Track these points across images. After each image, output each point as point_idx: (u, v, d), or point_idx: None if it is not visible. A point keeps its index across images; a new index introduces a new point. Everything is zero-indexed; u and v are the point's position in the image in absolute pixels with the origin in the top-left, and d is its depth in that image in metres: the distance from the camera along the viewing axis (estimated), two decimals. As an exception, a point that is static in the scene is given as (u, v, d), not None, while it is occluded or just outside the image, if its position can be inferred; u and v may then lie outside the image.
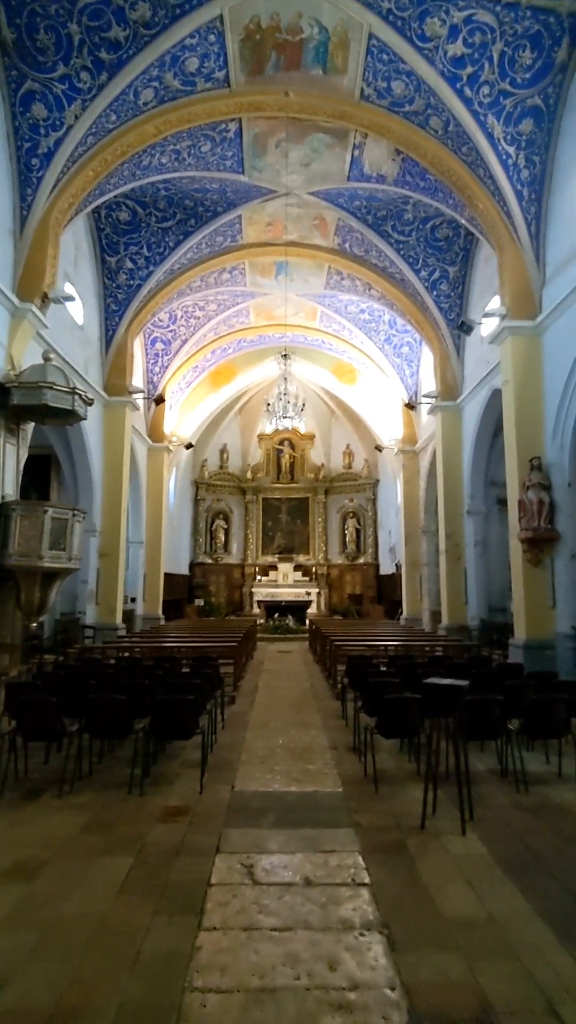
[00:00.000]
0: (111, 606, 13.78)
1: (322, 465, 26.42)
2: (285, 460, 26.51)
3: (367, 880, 3.51)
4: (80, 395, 9.27)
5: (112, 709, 5.09)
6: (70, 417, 9.68)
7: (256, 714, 7.82)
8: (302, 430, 26.49)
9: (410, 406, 16.46)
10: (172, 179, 12.08)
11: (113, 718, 5.09)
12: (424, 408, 18.49)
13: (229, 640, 10.94)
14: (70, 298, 10.13)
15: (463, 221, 11.58)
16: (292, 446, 26.52)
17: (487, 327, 12.34)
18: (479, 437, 13.86)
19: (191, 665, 7.67)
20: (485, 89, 9.18)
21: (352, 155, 11.64)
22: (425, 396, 15.26)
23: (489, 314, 11.16)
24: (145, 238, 13.67)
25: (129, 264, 13.96)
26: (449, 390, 14.91)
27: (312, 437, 26.55)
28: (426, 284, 14.46)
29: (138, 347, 17.58)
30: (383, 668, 8.21)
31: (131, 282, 14.17)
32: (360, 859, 3.78)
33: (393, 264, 14.45)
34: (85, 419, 9.72)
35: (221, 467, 26.34)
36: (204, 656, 8.33)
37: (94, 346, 14.00)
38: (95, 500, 13.76)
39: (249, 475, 26.25)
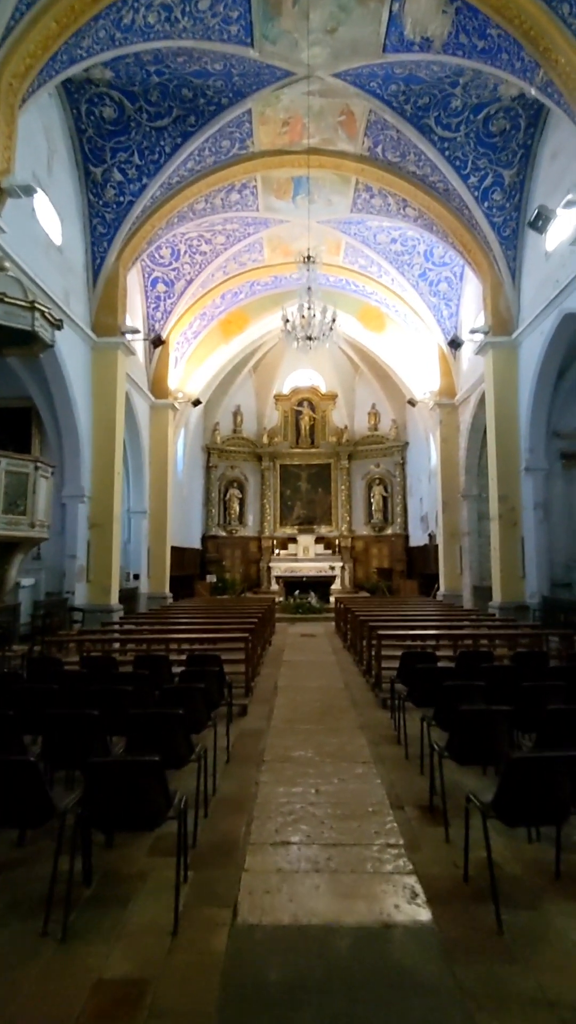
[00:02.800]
0: (104, 585, 11.74)
1: (345, 427, 24.05)
2: (304, 422, 24.19)
3: None
4: (43, 311, 7.08)
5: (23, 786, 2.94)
6: (33, 344, 7.54)
7: (275, 737, 5.65)
8: (323, 389, 24.15)
9: (454, 343, 14.03)
10: (164, 54, 9.66)
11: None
12: (467, 353, 16.06)
13: (242, 626, 8.85)
14: (31, 190, 7.87)
15: (532, 90, 9.04)
16: (312, 407, 24.16)
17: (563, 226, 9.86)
18: (540, 378, 11.45)
19: (184, 671, 5.56)
20: None
21: (390, 10, 9.11)
22: (472, 331, 12.84)
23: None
24: (136, 141, 11.29)
25: (118, 176, 11.62)
26: (502, 324, 12.46)
27: (334, 397, 24.16)
28: (475, 193, 11.94)
29: (135, 287, 15.31)
30: (443, 663, 6.08)
31: (121, 198, 11.84)
32: None
33: (435, 170, 11.93)
34: (52, 345, 7.54)
35: (234, 431, 24.09)
36: (205, 657, 6.17)
37: (78, 276, 11.75)
38: (83, 461, 11.64)
39: (265, 440, 23.99)
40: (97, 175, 11.59)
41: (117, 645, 8.11)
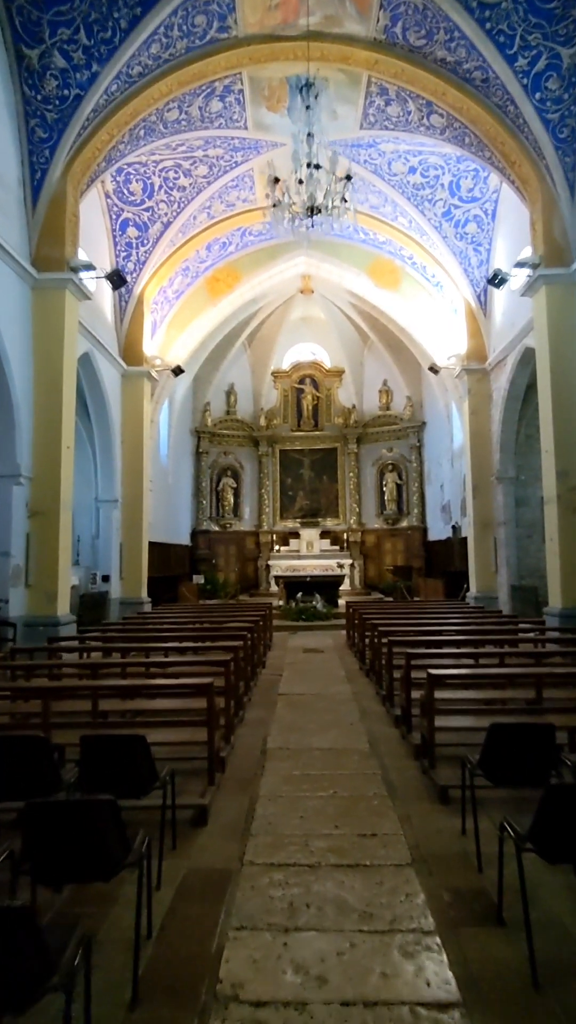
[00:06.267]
0: (48, 590, 9.10)
1: (353, 407, 21.35)
2: (307, 402, 21.50)
3: None
4: None
5: None
6: None
7: (249, 893, 2.89)
8: (327, 364, 21.43)
9: (496, 279, 11.26)
10: None
11: None
12: (500, 305, 13.36)
13: (225, 645, 6.20)
14: None
15: None
16: (315, 384, 21.47)
17: None
18: (613, 318, 8.74)
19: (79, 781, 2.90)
20: None
21: None
22: (518, 264, 10.11)
23: None
24: (82, 12, 8.58)
25: (60, 61, 8.92)
26: (557, 252, 9.75)
27: (340, 373, 21.45)
28: (524, 81, 9.21)
29: (100, 228, 12.67)
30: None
31: (65, 91, 9.15)
32: None
33: (472, 52, 9.21)
34: None
35: (228, 413, 21.41)
36: (122, 740, 3.36)
37: (11, 192, 9.10)
38: (20, 430, 9.01)
39: (263, 422, 21.31)
40: (33, 59, 8.89)
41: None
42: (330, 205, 6.94)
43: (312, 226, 7.02)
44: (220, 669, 5.16)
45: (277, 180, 7.20)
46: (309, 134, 7.13)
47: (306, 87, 7.39)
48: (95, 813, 2.31)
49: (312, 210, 6.95)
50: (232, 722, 5.46)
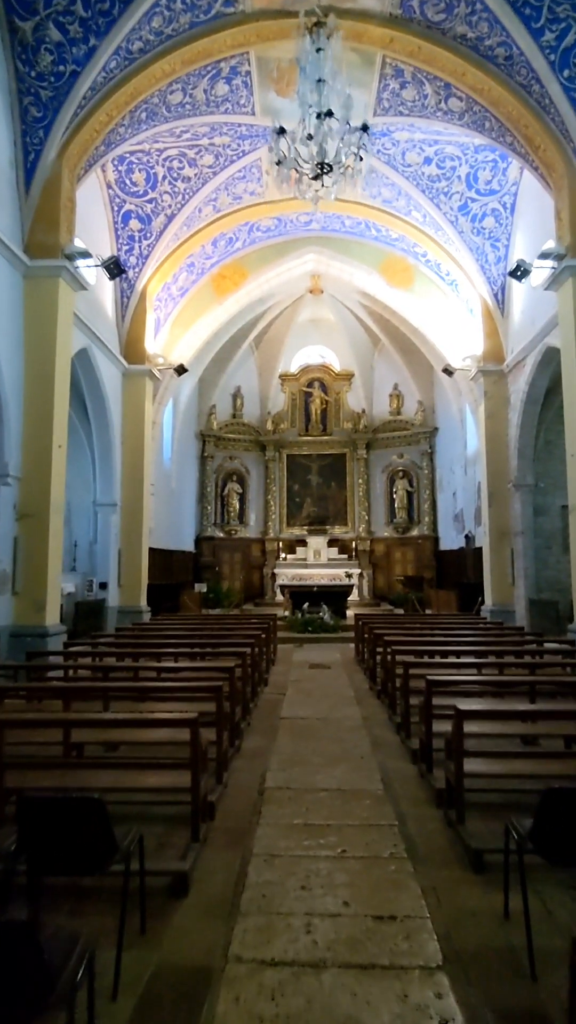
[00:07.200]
0: (37, 598, 8.46)
1: (363, 412, 20.70)
2: (315, 406, 20.86)
3: None
4: None
5: None
6: None
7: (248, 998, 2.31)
8: (336, 367, 20.81)
9: (516, 271, 10.58)
10: None
11: None
12: (519, 304, 12.70)
13: (219, 666, 5.52)
14: None
15: None
16: (324, 388, 20.84)
17: None
18: None
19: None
20: None
21: None
22: (542, 255, 9.43)
23: None
24: (78, -17, 8.05)
25: (55, 34, 8.37)
26: (587, 241, 9.08)
27: (350, 377, 20.81)
28: (551, 57, 8.56)
29: (101, 219, 12.14)
30: None
31: (61, 67, 8.60)
32: None
33: (495, 27, 8.60)
34: None
35: (234, 416, 20.79)
36: (66, 806, 2.65)
37: (2, 173, 8.55)
38: (8, 426, 8.41)
39: (270, 426, 20.67)
40: (26, 32, 8.33)
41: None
42: (343, 160, 6.19)
43: (322, 186, 6.27)
44: (211, 695, 4.48)
45: (283, 131, 6.49)
46: (320, 79, 6.42)
47: (316, 27, 6.67)
48: None
49: (322, 167, 6.21)
50: (226, 756, 4.77)
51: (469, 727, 4.10)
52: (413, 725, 5.60)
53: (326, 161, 6.24)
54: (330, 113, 6.22)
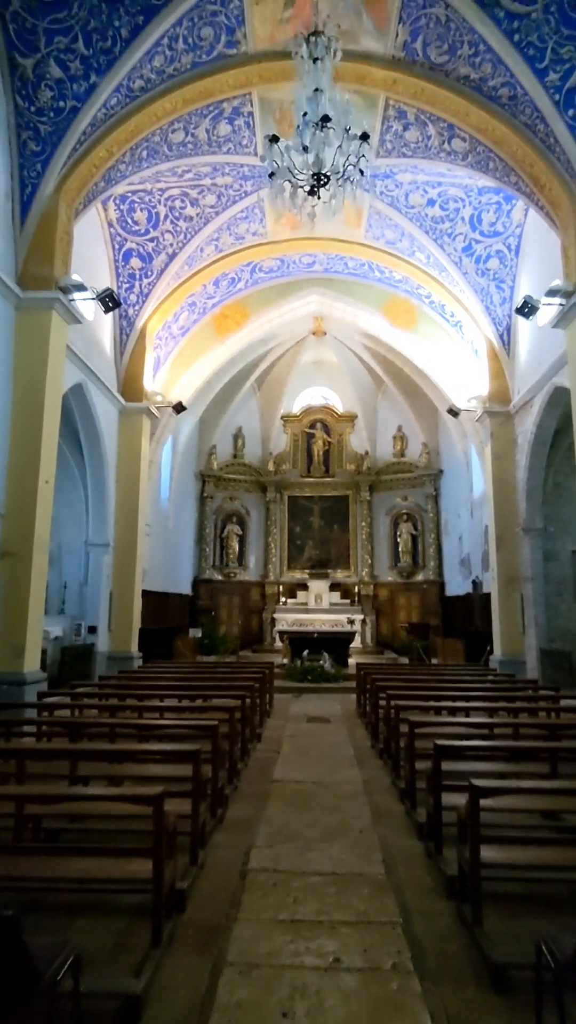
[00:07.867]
0: (15, 644, 7.90)
1: (366, 453, 20.39)
2: (318, 447, 20.57)
3: None
4: None
5: None
6: None
7: None
8: (339, 409, 20.61)
9: (524, 308, 10.31)
10: None
11: None
12: (525, 345, 12.46)
13: (203, 724, 4.93)
14: None
15: None
16: (327, 429, 20.59)
17: None
18: None
19: None
20: None
21: None
22: (550, 292, 9.17)
23: None
24: (80, 20, 8.03)
25: (56, 70, 8.34)
26: (596, 278, 8.83)
27: (353, 418, 20.59)
28: (555, 97, 8.47)
29: (102, 256, 12.05)
30: None
31: (61, 103, 8.54)
32: None
33: (498, 67, 8.55)
34: None
35: (235, 456, 20.51)
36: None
37: (-3, 206, 8.39)
38: (-8, 461, 8.01)
39: (271, 467, 20.35)
40: (27, 68, 8.30)
41: None
42: (342, 169, 5.89)
43: (319, 200, 5.96)
44: (190, 762, 3.90)
45: (276, 139, 6.22)
46: (316, 89, 6.18)
47: (313, 36, 6.49)
48: None
49: (319, 178, 5.92)
50: (203, 830, 4.16)
51: (485, 802, 3.51)
52: (419, 793, 4.98)
53: (323, 172, 5.95)
54: (327, 119, 5.95)
